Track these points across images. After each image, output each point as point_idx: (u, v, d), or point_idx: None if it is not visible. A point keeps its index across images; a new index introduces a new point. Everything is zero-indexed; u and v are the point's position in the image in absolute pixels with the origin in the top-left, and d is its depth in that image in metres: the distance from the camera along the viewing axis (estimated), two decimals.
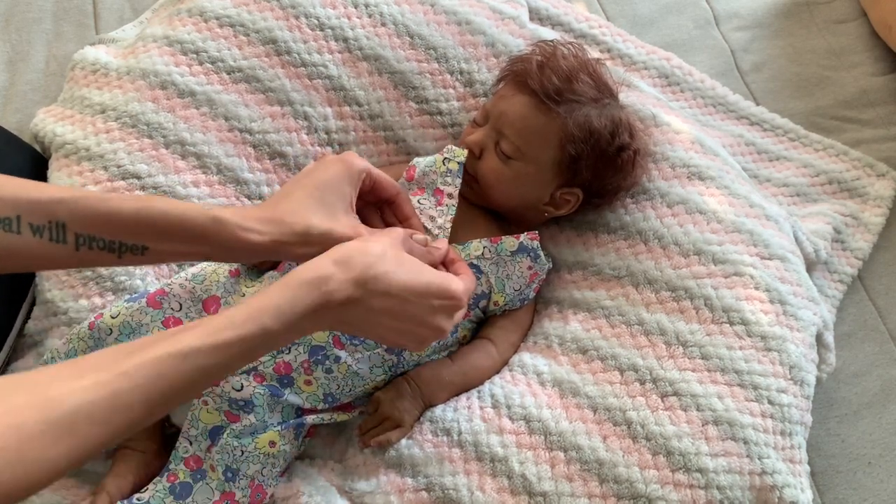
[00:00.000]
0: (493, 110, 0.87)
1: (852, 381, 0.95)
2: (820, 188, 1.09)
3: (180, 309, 0.81)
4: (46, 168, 0.94)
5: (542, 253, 0.87)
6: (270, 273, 0.85)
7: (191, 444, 0.78)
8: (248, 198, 0.94)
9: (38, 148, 0.97)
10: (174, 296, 0.81)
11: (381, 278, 0.64)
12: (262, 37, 0.97)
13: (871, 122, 1.15)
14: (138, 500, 0.76)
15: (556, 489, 0.74)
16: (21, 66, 1.15)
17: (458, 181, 0.86)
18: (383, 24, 1.00)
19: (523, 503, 0.74)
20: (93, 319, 0.80)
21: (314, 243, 0.70)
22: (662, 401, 0.77)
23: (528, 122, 0.84)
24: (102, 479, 0.79)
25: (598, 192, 0.89)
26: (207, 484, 0.76)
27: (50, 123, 0.96)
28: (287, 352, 0.78)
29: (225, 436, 0.76)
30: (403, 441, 0.79)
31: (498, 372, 0.86)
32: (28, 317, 0.89)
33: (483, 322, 0.90)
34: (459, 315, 0.71)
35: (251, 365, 0.77)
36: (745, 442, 0.75)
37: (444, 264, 0.76)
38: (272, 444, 0.77)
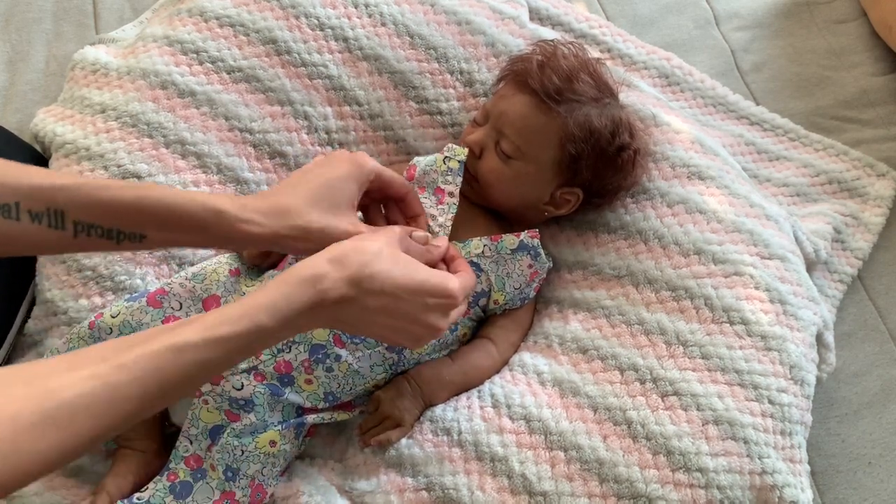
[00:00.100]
0: (493, 110, 0.87)
1: (852, 380, 0.95)
2: (820, 188, 1.09)
3: (180, 308, 0.81)
4: (47, 168, 0.94)
5: (542, 251, 0.87)
6: (270, 272, 0.85)
7: (191, 443, 0.78)
8: None
9: (38, 148, 0.97)
10: (174, 295, 0.81)
11: (375, 277, 0.64)
12: (262, 37, 0.97)
13: (871, 122, 1.15)
14: (138, 499, 0.76)
15: (556, 489, 0.74)
16: (21, 66, 1.15)
17: (459, 180, 0.86)
18: (383, 24, 1.00)
19: (523, 503, 0.74)
20: (93, 319, 0.80)
21: (313, 239, 0.70)
22: (662, 400, 0.77)
23: (529, 121, 0.84)
24: (102, 479, 0.79)
25: (598, 192, 0.89)
26: (208, 483, 0.76)
27: (50, 123, 0.96)
28: (287, 351, 0.78)
29: (225, 435, 0.76)
30: (403, 441, 0.79)
31: (498, 371, 0.86)
32: (28, 316, 0.89)
33: (483, 321, 0.90)
34: (455, 313, 0.71)
35: (251, 363, 0.77)
36: (746, 441, 0.75)
37: (445, 262, 0.76)
38: (272, 443, 0.77)
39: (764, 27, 1.26)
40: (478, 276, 0.84)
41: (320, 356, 0.79)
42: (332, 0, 1.01)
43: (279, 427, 0.78)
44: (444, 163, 0.87)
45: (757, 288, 0.83)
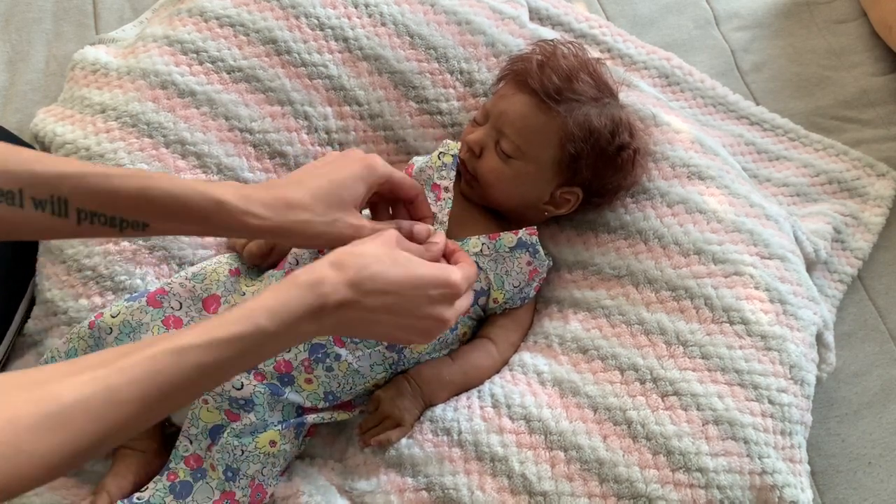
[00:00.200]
0: (493, 109, 0.87)
1: (852, 380, 0.95)
2: (820, 188, 1.09)
3: (180, 308, 0.81)
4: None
5: (540, 248, 0.87)
6: (270, 272, 0.85)
7: (191, 442, 0.78)
8: None
9: (38, 148, 0.97)
10: (174, 295, 0.81)
11: (375, 278, 0.64)
12: (262, 37, 0.97)
13: (871, 122, 1.15)
14: (138, 499, 0.76)
15: (556, 489, 0.74)
16: (21, 66, 1.15)
17: (453, 174, 0.87)
18: (383, 24, 1.00)
19: (523, 503, 0.74)
20: (93, 319, 0.80)
21: (315, 235, 0.71)
22: (663, 400, 0.77)
23: (529, 121, 0.84)
24: (102, 479, 0.79)
25: (598, 192, 0.89)
26: (208, 483, 0.76)
27: (50, 123, 0.96)
28: (287, 350, 0.78)
29: (225, 435, 0.76)
30: (403, 440, 0.79)
31: (498, 371, 0.86)
32: (27, 315, 0.89)
33: (483, 321, 0.90)
34: (461, 303, 0.71)
35: None
36: (746, 441, 0.75)
37: (445, 256, 0.77)
38: (272, 443, 0.77)
39: (764, 27, 1.26)
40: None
41: (320, 355, 0.79)
42: (332, 0, 1.01)
43: (279, 427, 0.78)
44: (439, 158, 0.88)
45: (757, 288, 0.83)
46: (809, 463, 0.81)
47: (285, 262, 0.84)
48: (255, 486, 0.77)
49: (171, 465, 0.77)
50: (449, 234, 0.82)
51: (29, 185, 0.62)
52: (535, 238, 0.86)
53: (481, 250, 0.84)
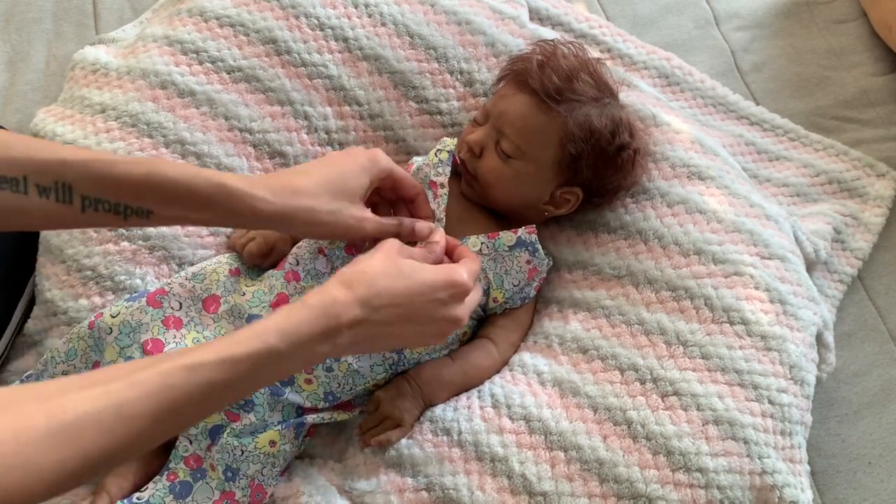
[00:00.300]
0: (493, 110, 0.87)
1: (852, 381, 0.95)
2: (820, 188, 1.09)
3: (180, 308, 0.81)
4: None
5: (539, 247, 0.87)
6: (270, 272, 0.85)
7: (191, 442, 0.78)
8: None
9: None
10: (174, 295, 0.81)
11: (383, 293, 0.65)
12: (262, 37, 0.97)
13: (871, 122, 1.15)
14: (138, 499, 0.76)
15: (556, 489, 0.74)
16: (21, 66, 1.15)
17: (448, 169, 0.88)
18: (383, 24, 1.00)
19: (523, 503, 0.74)
20: (93, 319, 0.80)
21: (320, 222, 0.71)
22: (663, 400, 0.77)
23: (529, 121, 0.84)
24: (102, 479, 0.79)
25: (598, 192, 0.89)
26: (207, 483, 0.76)
27: (50, 123, 0.96)
28: None
29: (225, 435, 0.76)
30: (403, 441, 0.79)
31: (498, 371, 0.86)
32: (27, 315, 0.88)
33: (483, 321, 0.90)
34: (472, 298, 0.73)
35: None
36: (746, 442, 0.75)
37: (447, 253, 0.77)
38: (272, 443, 0.77)
39: (764, 27, 1.26)
40: None
41: None
42: (332, 0, 1.01)
43: (279, 427, 0.78)
44: (436, 155, 0.89)
45: (757, 288, 0.83)
46: (809, 463, 0.81)
47: (285, 262, 0.84)
48: (255, 487, 0.77)
49: (171, 465, 0.77)
50: (449, 234, 0.82)
51: (33, 171, 0.63)
52: (534, 237, 0.86)
53: (480, 249, 0.84)
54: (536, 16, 1.16)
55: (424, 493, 0.76)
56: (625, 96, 0.95)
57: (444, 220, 0.85)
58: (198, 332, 0.80)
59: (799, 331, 0.83)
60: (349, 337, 0.64)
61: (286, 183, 0.72)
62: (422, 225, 0.80)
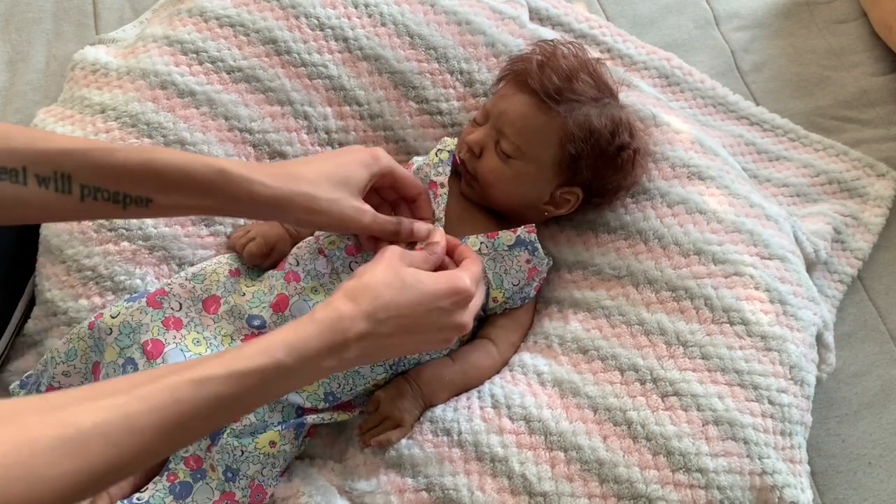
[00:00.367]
0: (493, 110, 0.87)
1: (852, 381, 0.95)
2: (820, 188, 1.09)
3: (180, 308, 0.81)
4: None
5: (539, 246, 0.87)
6: (270, 272, 0.85)
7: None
8: None
9: None
10: (174, 295, 0.81)
11: (389, 306, 0.66)
12: (262, 37, 0.97)
13: (871, 122, 1.15)
14: (138, 500, 0.76)
15: (556, 489, 0.74)
16: (21, 66, 1.15)
17: (448, 169, 0.88)
18: (383, 24, 1.00)
19: (523, 503, 0.74)
20: (93, 319, 0.80)
21: (319, 210, 0.71)
22: (663, 401, 0.77)
23: (529, 121, 0.84)
24: None
25: (598, 192, 0.89)
26: (207, 483, 0.76)
27: (50, 123, 0.96)
28: None
29: (225, 435, 0.76)
30: (403, 441, 0.79)
31: (498, 372, 0.86)
32: (27, 315, 0.88)
33: (483, 321, 0.90)
34: (475, 303, 0.73)
35: None
36: (746, 442, 0.75)
37: (447, 253, 0.78)
38: (272, 443, 0.77)
39: (764, 27, 1.26)
40: None
41: None
42: (332, 0, 1.01)
43: (279, 427, 0.78)
44: (436, 155, 0.89)
45: (757, 288, 0.83)
46: (809, 463, 0.81)
47: (285, 263, 0.84)
48: (255, 487, 0.77)
49: (171, 465, 0.77)
50: (448, 234, 0.82)
51: (32, 162, 0.63)
52: (533, 236, 0.86)
53: (480, 249, 0.84)
54: (536, 16, 1.16)
55: (424, 494, 0.76)
56: (625, 96, 0.95)
57: (443, 219, 0.85)
58: (198, 332, 0.80)
59: (799, 331, 0.83)
60: (356, 351, 0.65)
61: (285, 170, 0.72)
62: (420, 226, 0.80)
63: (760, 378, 0.78)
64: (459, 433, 0.78)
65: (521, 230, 0.85)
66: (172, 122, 0.92)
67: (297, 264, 0.83)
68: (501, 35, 1.03)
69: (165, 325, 0.79)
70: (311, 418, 0.81)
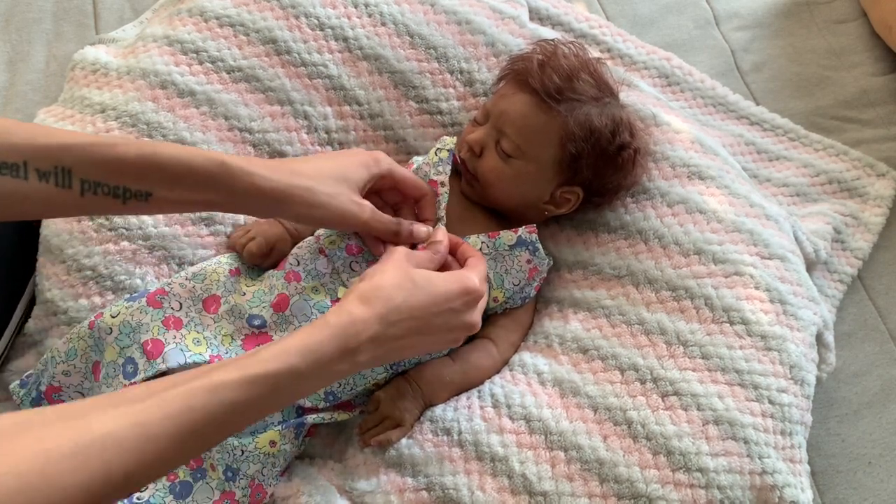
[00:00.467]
0: (493, 109, 0.87)
1: (852, 380, 0.95)
2: (820, 188, 1.09)
3: (180, 308, 0.81)
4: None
5: (540, 246, 0.87)
6: (271, 272, 0.85)
7: None
8: None
9: None
10: (174, 295, 0.81)
11: (402, 308, 0.66)
12: (262, 36, 0.97)
13: (871, 122, 1.15)
14: (138, 499, 0.76)
15: (556, 489, 0.74)
16: (21, 66, 1.15)
17: (449, 168, 0.88)
18: (383, 24, 1.00)
19: (524, 503, 0.74)
20: (93, 319, 0.80)
21: (318, 204, 0.72)
22: (663, 400, 0.77)
23: (529, 120, 0.84)
24: None
25: (598, 191, 0.89)
26: (207, 483, 0.76)
27: (50, 123, 0.95)
28: None
29: None
30: (403, 441, 0.79)
31: (498, 371, 0.86)
32: (27, 315, 0.88)
33: (483, 320, 0.90)
34: (482, 302, 0.73)
35: None
36: (746, 441, 0.75)
37: (451, 251, 0.78)
38: (272, 443, 0.77)
39: (764, 27, 1.26)
40: None
41: None
42: (332, 0, 1.01)
43: (279, 427, 0.78)
44: (436, 154, 0.89)
45: (757, 288, 0.83)
46: (809, 463, 0.81)
47: (286, 262, 0.84)
48: (255, 487, 0.77)
49: None
50: (449, 233, 0.82)
51: (33, 156, 0.63)
52: (534, 236, 0.86)
53: (481, 248, 0.84)
54: (536, 16, 1.16)
55: (424, 493, 0.76)
56: (625, 96, 0.95)
57: (444, 218, 0.85)
58: (198, 332, 0.80)
59: (799, 331, 0.83)
60: (368, 354, 0.65)
61: (285, 165, 0.73)
62: (420, 227, 0.80)
63: (760, 378, 0.78)
64: (459, 433, 0.78)
65: (522, 230, 0.85)
66: (172, 122, 0.92)
67: (298, 264, 0.83)
68: (501, 35, 1.03)
69: (165, 324, 0.79)
70: (311, 418, 0.81)
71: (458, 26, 1.02)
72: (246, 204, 0.73)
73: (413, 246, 0.79)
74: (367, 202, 0.76)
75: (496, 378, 0.84)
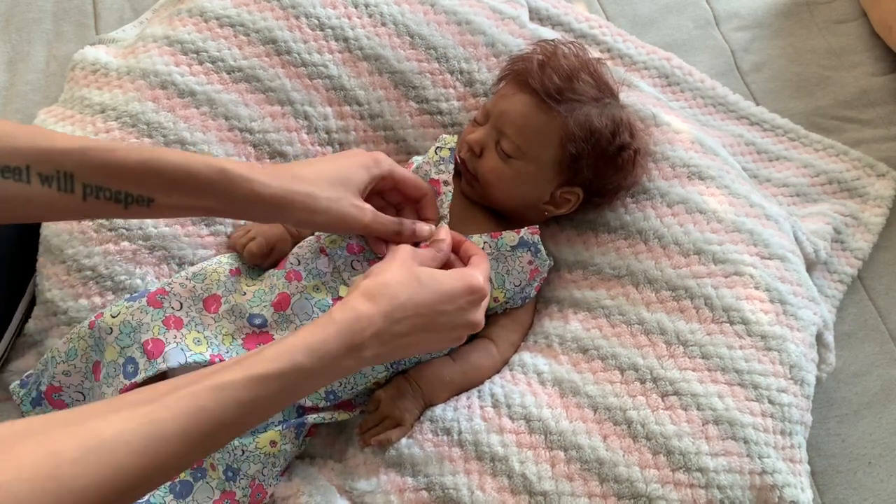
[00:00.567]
0: (493, 109, 0.87)
1: (852, 380, 0.95)
2: (820, 188, 1.09)
3: (181, 308, 0.81)
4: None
5: (542, 247, 0.87)
6: (271, 271, 0.85)
7: None
8: None
9: None
10: (174, 295, 0.81)
11: (407, 305, 0.66)
12: (263, 37, 0.97)
13: (871, 122, 1.15)
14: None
15: (556, 489, 0.74)
16: (21, 66, 1.15)
17: (451, 167, 0.88)
18: (383, 24, 1.00)
19: (523, 503, 0.74)
20: (93, 319, 0.80)
21: (319, 209, 0.72)
22: (663, 400, 0.77)
23: (529, 120, 0.84)
24: None
25: (598, 191, 0.89)
26: (208, 483, 0.76)
27: (51, 123, 0.96)
28: None
29: None
30: (403, 440, 0.79)
31: (498, 371, 0.86)
32: (27, 315, 0.88)
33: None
34: (486, 301, 0.74)
35: None
36: (746, 441, 0.75)
37: (453, 249, 0.78)
38: (273, 443, 0.77)
39: (764, 27, 1.26)
40: None
41: None
42: (332, 0, 1.01)
43: (279, 427, 0.78)
44: (436, 153, 0.89)
45: (757, 288, 0.83)
46: (809, 463, 0.81)
47: (286, 262, 0.84)
48: (256, 486, 0.77)
49: None
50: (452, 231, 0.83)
51: (36, 161, 0.63)
52: (537, 237, 0.86)
53: (482, 248, 0.84)
54: (536, 16, 1.16)
55: (424, 493, 0.76)
56: (625, 96, 0.95)
57: (447, 216, 0.86)
58: (198, 331, 0.80)
59: (799, 331, 0.83)
60: (373, 350, 0.65)
61: (285, 170, 0.73)
62: (422, 226, 0.80)
63: (760, 377, 0.78)
64: (459, 432, 0.79)
65: (524, 231, 0.85)
66: (172, 122, 0.92)
67: (299, 263, 0.83)
68: (501, 35, 1.03)
69: (166, 324, 0.79)
70: (311, 417, 0.81)
71: (459, 26, 1.02)
72: (246, 210, 0.74)
73: (416, 244, 0.79)
74: (367, 205, 0.76)
75: (496, 378, 0.84)
